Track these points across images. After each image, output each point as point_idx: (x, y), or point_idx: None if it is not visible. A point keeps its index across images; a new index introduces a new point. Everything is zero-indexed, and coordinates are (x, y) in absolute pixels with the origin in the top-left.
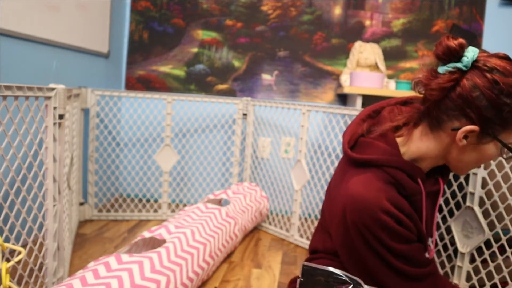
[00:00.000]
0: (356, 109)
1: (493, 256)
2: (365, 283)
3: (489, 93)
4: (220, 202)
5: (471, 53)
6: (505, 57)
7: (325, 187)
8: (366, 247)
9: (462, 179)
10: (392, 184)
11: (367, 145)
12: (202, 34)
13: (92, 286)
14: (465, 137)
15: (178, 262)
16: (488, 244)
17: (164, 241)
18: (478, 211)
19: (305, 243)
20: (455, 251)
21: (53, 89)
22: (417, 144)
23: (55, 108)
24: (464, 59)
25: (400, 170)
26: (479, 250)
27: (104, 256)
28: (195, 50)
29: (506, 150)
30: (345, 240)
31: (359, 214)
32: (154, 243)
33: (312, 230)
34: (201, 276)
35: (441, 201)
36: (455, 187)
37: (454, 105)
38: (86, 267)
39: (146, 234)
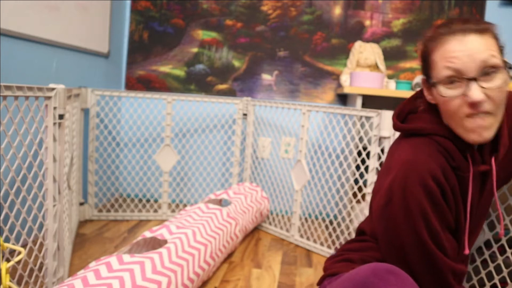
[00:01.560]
0: (356, 109)
1: (493, 256)
2: (396, 264)
3: (420, 46)
4: (220, 202)
5: None
6: None
7: (325, 187)
8: (406, 218)
9: None
10: (441, 153)
11: (415, 118)
12: (202, 34)
13: (94, 286)
14: (427, 94)
15: (179, 263)
16: (488, 244)
17: (165, 241)
18: None
19: (305, 243)
20: None
21: (53, 89)
22: None
23: (55, 108)
24: None
25: (449, 140)
26: (479, 250)
27: (106, 256)
28: (195, 50)
29: (441, 88)
30: (385, 212)
31: (407, 178)
32: (155, 243)
33: (312, 230)
34: (201, 276)
35: (495, 185)
36: None
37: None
38: (88, 267)
39: (148, 234)
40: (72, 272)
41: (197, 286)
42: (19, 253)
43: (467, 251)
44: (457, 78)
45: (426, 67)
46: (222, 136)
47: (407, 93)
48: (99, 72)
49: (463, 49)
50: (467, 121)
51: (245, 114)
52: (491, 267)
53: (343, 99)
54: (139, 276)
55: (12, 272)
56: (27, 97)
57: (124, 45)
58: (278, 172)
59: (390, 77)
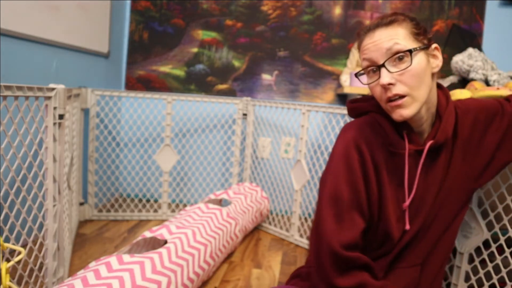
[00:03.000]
0: None
1: (491, 256)
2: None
3: None
4: (220, 202)
5: None
6: None
7: None
8: (324, 174)
9: None
10: (372, 127)
11: (362, 101)
12: (202, 34)
13: (94, 286)
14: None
15: (179, 263)
16: (486, 244)
17: (165, 241)
18: (476, 211)
19: (305, 243)
20: (454, 251)
21: (53, 89)
22: None
23: (55, 108)
24: None
25: (383, 116)
26: (478, 250)
27: (105, 256)
28: (195, 50)
29: (363, 77)
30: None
31: (336, 144)
32: (155, 243)
33: None
34: (201, 276)
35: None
36: None
37: None
38: (87, 267)
39: (148, 234)
40: (72, 272)
41: (197, 286)
42: (19, 253)
43: (407, 226)
44: (373, 67)
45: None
46: (222, 136)
47: None
48: (99, 72)
49: (372, 41)
50: (388, 104)
51: (245, 114)
52: (490, 267)
53: (343, 99)
54: (139, 276)
55: (12, 272)
56: (27, 97)
57: (124, 45)
58: (278, 172)
59: None
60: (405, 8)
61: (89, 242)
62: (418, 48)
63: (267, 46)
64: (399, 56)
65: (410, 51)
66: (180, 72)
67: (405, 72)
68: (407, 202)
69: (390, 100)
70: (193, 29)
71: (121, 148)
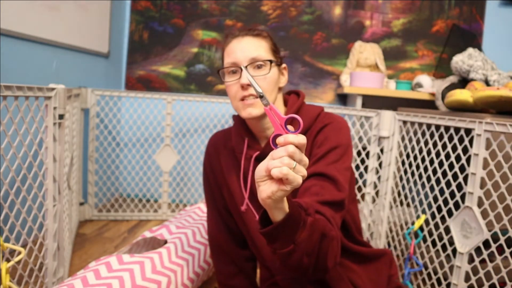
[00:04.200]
0: (356, 109)
1: (491, 256)
2: None
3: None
4: None
5: None
6: None
7: None
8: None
9: (461, 179)
10: (223, 135)
11: None
12: (202, 34)
13: (94, 286)
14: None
15: (179, 263)
16: (486, 244)
17: (165, 241)
18: (477, 211)
19: None
20: (454, 251)
21: (53, 89)
22: None
23: (55, 108)
24: None
25: (234, 125)
26: (478, 250)
27: (105, 256)
28: (195, 50)
29: (223, 74)
30: None
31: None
32: (155, 243)
33: None
34: (201, 276)
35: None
36: (454, 187)
37: None
38: (87, 267)
39: (147, 234)
40: (72, 272)
41: (197, 286)
42: (19, 253)
43: (243, 207)
44: (235, 68)
45: (221, 62)
46: None
47: (407, 93)
48: (99, 72)
49: (239, 47)
50: (241, 102)
51: None
52: (490, 267)
53: (343, 99)
54: (139, 276)
55: (12, 272)
56: (27, 97)
57: (124, 45)
58: None
59: (390, 77)
60: (405, 8)
61: (89, 242)
62: (275, 61)
63: None
64: (259, 64)
65: (270, 61)
66: (180, 72)
67: (262, 78)
68: (244, 205)
69: (243, 98)
70: (193, 29)
71: (121, 148)
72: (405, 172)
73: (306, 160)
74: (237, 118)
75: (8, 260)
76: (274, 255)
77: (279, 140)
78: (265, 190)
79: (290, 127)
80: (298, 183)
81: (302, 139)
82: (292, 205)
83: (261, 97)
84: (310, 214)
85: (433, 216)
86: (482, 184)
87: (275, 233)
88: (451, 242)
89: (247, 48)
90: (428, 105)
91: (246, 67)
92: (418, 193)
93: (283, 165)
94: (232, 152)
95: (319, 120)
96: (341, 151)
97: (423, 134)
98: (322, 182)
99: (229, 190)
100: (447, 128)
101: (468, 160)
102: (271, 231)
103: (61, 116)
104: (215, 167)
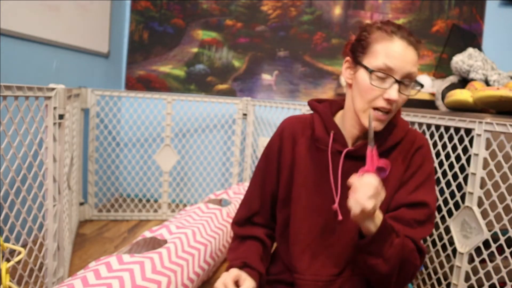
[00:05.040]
0: None
1: (491, 256)
2: None
3: (357, 33)
4: (220, 202)
5: None
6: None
7: None
8: None
9: (461, 179)
10: (305, 122)
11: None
12: (202, 34)
13: (94, 286)
14: (347, 71)
15: (179, 263)
16: (486, 244)
17: (165, 241)
18: (477, 211)
19: None
20: (454, 251)
21: (53, 89)
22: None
23: (55, 108)
24: None
25: (318, 115)
26: (478, 250)
27: (105, 256)
28: (195, 50)
29: (371, 75)
30: None
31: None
32: (155, 243)
33: None
34: (201, 276)
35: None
36: (454, 187)
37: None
38: (87, 267)
39: (147, 234)
40: (72, 272)
41: (197, 286)
42: (19, 253)
43: (340, 217)
44: (388, 75)
45: (362, 50)
46: (222, 136)
47: None
48: (99, 72)
49: (403, 54)
50: (372, 110)
51: (245, 114)
52: (490, 267)
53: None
54: (139, 276)
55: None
56: (27, 97)
57: (124, 45)
58: None
59: None
60: (405, 8)
61: (89, 242)
62: (421, 86)
63: (267, 46)
64: (408, 83)
65: (421, 85)
66: (180, 72)
67: (405, 97)
68: (336, 203)
69: (378, 108)
70: (193, 29)
71: (121, 148)
72: None
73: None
74: (322, 108)
75: (8, 260)
76: (363, 264)
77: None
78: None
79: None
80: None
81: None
82: (384, 223)
83: (371, 141)
84: (400, 236)
85: None
86: (482, 184)
87: (367, 245)
88: (451, 242)
89: (409, 60)
90: (428, 105)
91: (401, 82)
92: None
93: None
94: (312, 142)
95: (410, 138)
96: (434, 178)
97: (423, 134)
98: (419, 212)
99: (293, 179)
100: (447, 128)
101: (468, 160)
102: (367, 243)
103: (61, 116)
104: (285, 152)
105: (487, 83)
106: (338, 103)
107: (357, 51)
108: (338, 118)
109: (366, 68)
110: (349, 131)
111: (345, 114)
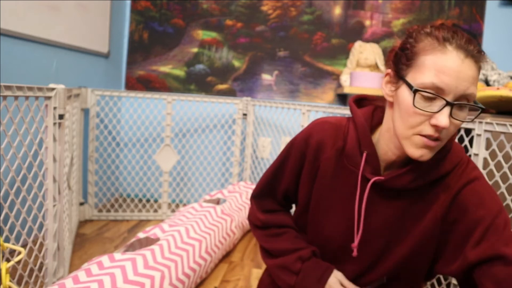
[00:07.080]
0: None
1: None
2: None
3: (402, 39)
4: (218, 202)
5: None
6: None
7: None
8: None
9: None
10: (337, 132)
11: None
12: (202, 34)
13: (84, 283)
14: (387, 87)
15: (172, 259)
16: None
17: (158, 240)
18: None
19: None
20: None
21: (53, 89)
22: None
23: (55, 108)
24: None
25: (355, 126)
26: None
27: (97, 256)
28: (195, 50)
29: (416, 95)
30: None
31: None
32: (149, 243)
33: None
34: (198, 272)
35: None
36: None
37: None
38: (80, 268)
39: (141, 235)
40: (72, 272)
41: (195, 282)
42: (19, 253)
43: (355, 253)
44: (437, 95)
45: (406, 61)
46: (222, 136)
47: None
48: (99, 72)
49: (458, 71)
50: (417, 137)
51: (245, 114)
52: None
53: (343, 99)
54: (131, 271)
55: (12, 272)
56: (27, 97)
57: (124, 45)
58: None
59: None
60: (405, 8)
61: (89, 242)
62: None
63: (267, 46)
64: (464, 106)
65: (482, 109)
66: (180, 72)
67: (458, 123)
68: (357, 240)
69: (424, 135)
70: (193, 29)
71: (121, 148)
72: None
73: None
74: (360, 118)
75: (8, 260)
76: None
77: None
78: None
79: None
80: None
81: None
82: None
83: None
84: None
85: None
86: None
87: None
88: None
89: (467, 78)
90: None
91: (453, 104)
92: None
93: None
94: (341, 157)
95: (458, 171)
96: (506, 216)
97: None
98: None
99: (312, 190)
100: None
101: None
102: None
103: (61, 116)
104: (308, 161)
105: (487, 83)
106: (382, 112)
107: (400, 62)
108: (376, 135)
109: (409, 85)
110: (384, 153)
111: (382, 133)
